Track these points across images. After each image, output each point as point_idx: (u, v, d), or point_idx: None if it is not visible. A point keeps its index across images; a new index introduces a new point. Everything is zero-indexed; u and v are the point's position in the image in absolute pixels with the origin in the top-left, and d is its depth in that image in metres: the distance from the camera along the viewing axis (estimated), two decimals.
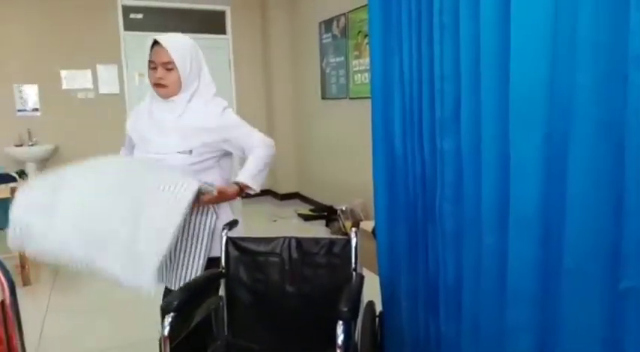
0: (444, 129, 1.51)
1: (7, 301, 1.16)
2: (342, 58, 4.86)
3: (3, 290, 1.16)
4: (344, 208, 4.36)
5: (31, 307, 3.09)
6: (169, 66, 1.70)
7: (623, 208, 1.07)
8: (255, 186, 1.82)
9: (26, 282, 3.49)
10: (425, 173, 1.65)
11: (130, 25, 5.63)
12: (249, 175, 1.79)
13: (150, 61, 1.73)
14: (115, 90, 5.57)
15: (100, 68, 5.49)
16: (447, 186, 1.53)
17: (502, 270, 1.35)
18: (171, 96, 1.75)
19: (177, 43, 1.72)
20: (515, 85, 1.22)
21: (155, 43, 1.71)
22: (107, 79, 5.53)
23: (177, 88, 1.74)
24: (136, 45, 5.58)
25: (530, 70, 1.19)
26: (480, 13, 1.29)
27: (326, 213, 4.98)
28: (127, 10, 5.61)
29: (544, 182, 1.23)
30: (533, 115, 1.21)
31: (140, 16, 5.73)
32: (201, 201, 1.66)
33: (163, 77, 1.71)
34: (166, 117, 1.76)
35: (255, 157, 1.83)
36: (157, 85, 1.73)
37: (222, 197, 1.74)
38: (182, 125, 1.75)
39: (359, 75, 4.59)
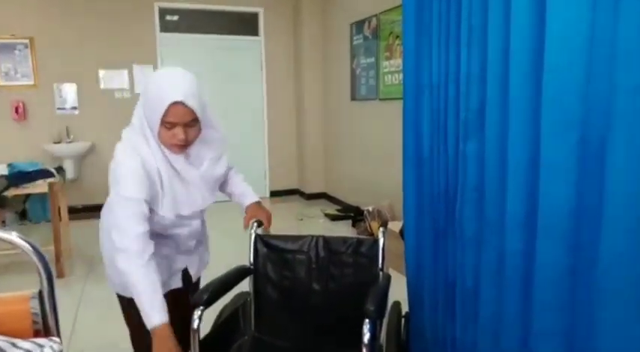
0: (467, 131, 1.50)
1: (45, 291, 1.20)
2: (373, 59, 4.86)
3: (41, 280, 1.20)
4: (370, 209, 4.35)
5: (65, 298, 3.19)
6: (192, 123, 1.46)
7: None
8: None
9: (60, 274, 3.61)
10: (448, 176, 1.64)
11: (166, 27, 5.76)
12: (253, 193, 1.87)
13: (166, 122, 1.43)
14: None
15: (135, 68, 5.63)
16: (467, 189, 1.52)
17: (528, 277, 1.33)
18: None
19: (195, 93, 1.44)
20: (548, 86, 1.20)
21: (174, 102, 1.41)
22: (142, 79, 5.67)
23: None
24: (171, 46, 5.71)
25: (565, 70, 1.17)
26: (511, 13, 1.28)
27: (352, 214, 4.98)
28: (163, 12, 5.74)
29: (578, 186, 1.20)
30: (567, 117, 1.18)
31: (175, 17, 5.85)
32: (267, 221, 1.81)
33: (187, 136, 1.46)
34: (194, 173, 1.58)
35: (242, 178, 1.86)
36: (179, 146, 1.49)
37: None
38: (207, 177, 1.63)
39: (389, 76, 4.58)
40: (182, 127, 1.43)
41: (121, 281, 1.61)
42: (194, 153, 1.56)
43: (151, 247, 1.45)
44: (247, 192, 1.83)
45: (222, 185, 1.80)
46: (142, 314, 1.41)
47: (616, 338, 1.14)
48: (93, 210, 5.20)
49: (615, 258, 1.12)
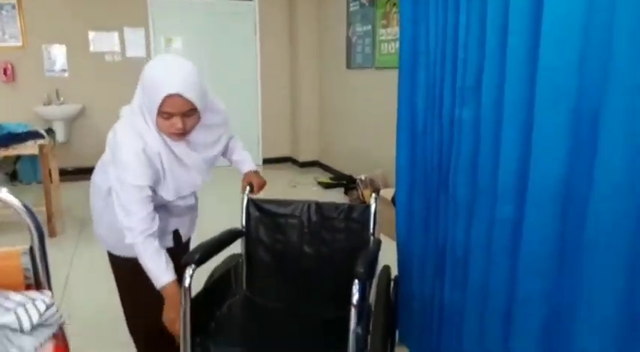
0: (464, 98, 1.50)
1: (36, 246, 1.20)
2: (369, 27, 4.78)
3: (32, 236, 1.20)
4: (363, 177, 4.36)
5: (57, 257, 3.20)
6: (191, 112, 1.44)
7: None
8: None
9: (52, 234, 3.61)
10: (442, 142, 1.65)
11: None
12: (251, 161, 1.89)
13: (163, 113, 1.41)
14: (142, 53, 5.59)
15: (127, 31, 5.50)
16: (462, 155, 1.54)
17: (515, 242, 1.35)
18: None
19: (192, 83, 1.41)
20: (545, 54, 1.20)
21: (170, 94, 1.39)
22: (134, 42, 5.55)
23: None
24: (163, 9, 5.57)
25: (562, 38, 1.16)
26: None
27: (345, 182, 4.99)
28: None
29: (569, 155, 1.21)
30: (562, 86, 1.18)
31: None
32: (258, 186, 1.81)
33: (186, 126, 1.45)
34: (195, 157, 1.59)
35: (242, 147, 1.89)
36: (177, 134, 1.48)
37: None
38: (208, 158, 1.65)
39: (385, 44, 4.52)
40: (180, 117, 1.42)
41: (112, 240, 1.65)
42: (195, 139, 1.56)
43: (155, 223, 1.51)
44: (246, 159, 1.88)
45: (224, 152, 1.83)
46: (151, 278, 1.49)
47: (599, 304, 1.16)
48: (83, 173, 5.17)
49: (603, 226, 1.13)
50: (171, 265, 1.50)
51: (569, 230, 1.23)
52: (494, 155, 1.39)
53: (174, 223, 1.72)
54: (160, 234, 1.63)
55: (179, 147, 1.53)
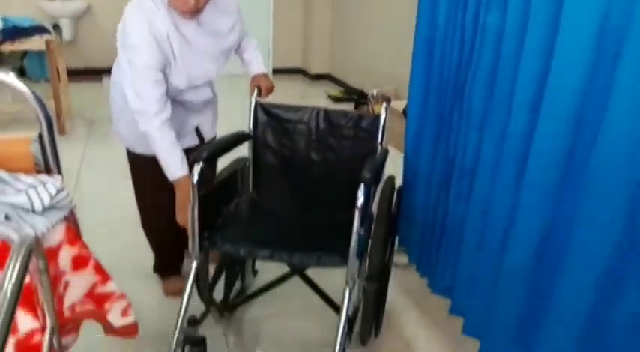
0: (490, 2, 1.42)
1: (45, 134, 1.20)
2: None
3: (41, 124, 1.20)
4: (375, 92, 4.28)
5: (67, 155, 3.23)
6: None
7: None
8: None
9: (62, 131, 3.64)
10: (462, 51, 1.59)
11: None
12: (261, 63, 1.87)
13: None
14: None
15: None
16: (482, 65, 1.49)
17: (524, 156, 1.34)
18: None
19: None
20: None
21: None
22: None
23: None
24: None
25: None
26: None
27: (356, 97, 4.92)
28: None
29: (591, 69, 1.16)
30: (591, 3, 1.11)
31: None
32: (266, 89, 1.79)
33: (197, 3, 1.44)
34: (207, 42, 1.59)
35: (254, 46, 1.87)
36: (189, 13, 1.47)
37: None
38: (220, 46, 1.64)
39: None
40: None
41: (132, 137, 1.70)
42: (207, 21, 1.55)
43: (168, 109, 1.52)
44: (257, 61, 1.86)
45: (237, 49, 1.82)
46: (164, 169, 1.54)
47: (600, 217, 1.17)
48: (91, 73, 5.13)
49: (614, 144, 1.11)
50: (185, 160, 1.54)
51: (579, 145, 1.21)
52: (514, 66, 1.35)
53: (193, 119, 1.76)
54: (182, 132, 1.68)
55: (188, 29, 1.52)
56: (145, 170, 1.73)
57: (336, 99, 5.13)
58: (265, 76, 1.84)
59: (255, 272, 2.11)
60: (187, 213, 1.45)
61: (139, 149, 1.71)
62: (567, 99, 1.21)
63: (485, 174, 1.51)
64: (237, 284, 1.98)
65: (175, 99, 1.62)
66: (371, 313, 1.63)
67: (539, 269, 1.37)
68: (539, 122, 1.27)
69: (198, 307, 1.67)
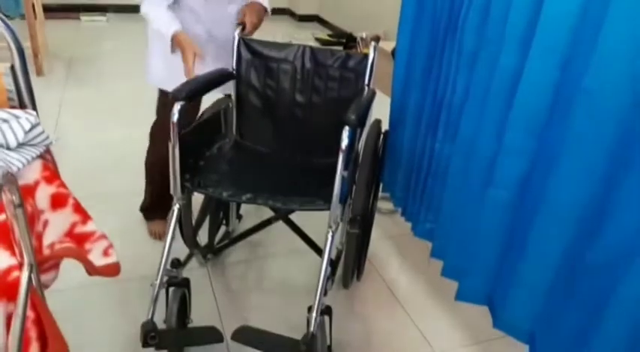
0: None
1: (17, 65, 1.15)
2: None
3: (12, 54, 1.14)
4: (364, 35, 4.17)
5: (46, 98, 3.14)
6: None
7: None
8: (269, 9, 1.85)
9: (39, 72, 3.51)
10: None
11: None
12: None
13: None
14: None
15: None
16: (473, 4, 1.44)
17: (512, 92, 1.33)
18: None
19: None
20: None
21: None
22: None
23: None
24: None
25: None
26: None
27: (345, 40, 4.80)
28: None
29: (583, 5, 1.13)
30: None
31: None
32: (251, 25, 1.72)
33: None
34: None
35: None
36: None
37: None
38: None
39: None
40: None
41: (164, 71, 1.76)
42: None
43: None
44: None
45: None
46: (163, 32, 1.63)
47: (584, 154, 1.17)
48: (69, 10, 4.90)
49: (603, 77, 1.09)
50: (178, 20, 1.64)
51: (567, 80, 1.20)
52: (505, 3, 1.31)
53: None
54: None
55: None
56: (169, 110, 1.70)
57: (323, 43, 5.00)
58: (257, 10, 1.75)
59: (239, 218, 2.11)
60: (190, 62, 1.59)
61: (171, 86, 1.65)
62: (557, 35, 1.19)
63: (473, 111, 1.49)
64: (222, 230, 1.98)
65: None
66: (353, 257, 1.64)
67: (518, 211, 1.39)
68: (529, 56, 1.25)
69: (183, 251, 1.67)
